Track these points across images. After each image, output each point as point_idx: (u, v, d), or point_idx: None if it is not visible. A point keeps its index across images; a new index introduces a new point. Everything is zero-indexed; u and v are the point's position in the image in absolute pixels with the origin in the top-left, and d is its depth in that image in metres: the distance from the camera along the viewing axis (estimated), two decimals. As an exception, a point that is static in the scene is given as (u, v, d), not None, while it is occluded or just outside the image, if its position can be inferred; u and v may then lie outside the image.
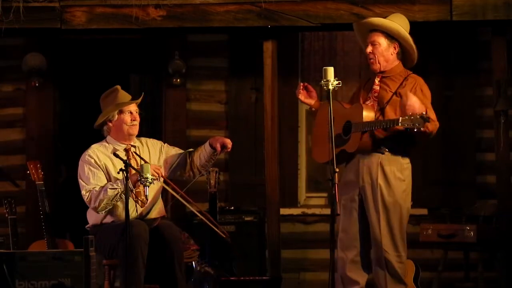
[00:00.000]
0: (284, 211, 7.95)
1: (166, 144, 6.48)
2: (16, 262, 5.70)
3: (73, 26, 7.31)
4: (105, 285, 6.14)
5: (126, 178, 5.67)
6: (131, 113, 6.23)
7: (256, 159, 8.13)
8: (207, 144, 6.32)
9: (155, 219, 6.24)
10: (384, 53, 6.01)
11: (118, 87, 6.31)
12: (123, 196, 5.90)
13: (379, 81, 6.05)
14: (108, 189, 6.00)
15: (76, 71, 9.61)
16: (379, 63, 6.02)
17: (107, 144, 6.27)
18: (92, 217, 6.22)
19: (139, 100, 6.30)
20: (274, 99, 7.43)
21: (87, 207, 6.29)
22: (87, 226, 6.29)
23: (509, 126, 7.33)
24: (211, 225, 6.20)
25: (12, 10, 7.15)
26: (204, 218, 6.21)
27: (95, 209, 6.06)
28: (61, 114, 8.88)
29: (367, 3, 7.19)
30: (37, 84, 8.33)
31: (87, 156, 6.18)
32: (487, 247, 7.46)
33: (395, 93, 5.97)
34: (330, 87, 5.38)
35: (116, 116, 6.23)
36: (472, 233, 7.34)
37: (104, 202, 6.01)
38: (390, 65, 6.04)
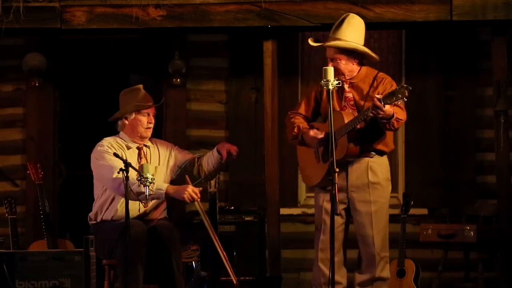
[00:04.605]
0: (284, 211, 7.95)
1: (176, 146, 6.49)
2: (16, 262, 5.70)
3: (73, 26, 7.30)
4: (105, 285, 6.15)
5: (126, 178, 5.67)
6: (148, 115, 6.26)
7: (256, 159, 8.13)
8: (215, 150, 6.34)
9: (154, 219, 6.24)
10: (346, 66, 6.02)
11: (141, 86, 6.34)
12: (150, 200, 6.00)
13: (349, 87, 6.06)
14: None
15: (76, 71, 9.62)
16: (343, 74, 6.02)
17: (120, 140, 6.28)
18: (96, 205, 6.23)
19: (159, 104, 6.35)
20: (274, 99, 7.43)
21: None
22: (90, 213, 6.28)
23: (509, 126, 7.32)
24: (227, 265, 6.15)
25: (12, 10, 7.14)
26: (222, 256, 6.15)
27: (120, 191, 5.94)
28: (61, 114, 8.88)
29: (367, 3, 7.19)
30: (37, 84, 8.33)
31: (105, 147, 6.17)
32: (487, 247, 7.46)
33: (368, 95, 5.99)
34: (330, 87, 5.38)
35: (134, 115, 6.25)
36: (472, 233, 7.34)
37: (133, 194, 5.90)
38: (355, 72, 6.06)
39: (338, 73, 5.97)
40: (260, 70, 7.60)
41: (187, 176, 6.28)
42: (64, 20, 7.29)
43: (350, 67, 6.04)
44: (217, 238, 6.10)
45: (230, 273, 6.12)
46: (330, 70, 5.40)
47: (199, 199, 6.06)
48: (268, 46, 7.44)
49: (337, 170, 5.34)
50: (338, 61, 6.00)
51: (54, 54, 8.55)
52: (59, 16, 7.27)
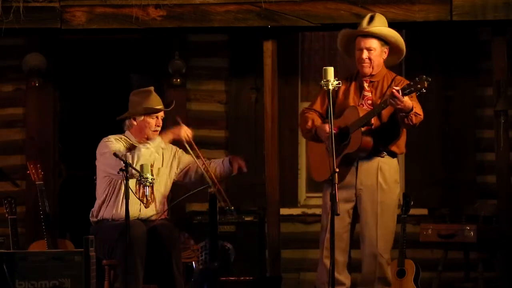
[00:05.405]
0: (284, 211, 7.95)
1: (180, 150, 6.50)
2: (16, 262, 5.70)
3: (73, 26, 7.31)
4: (105, 285, 6.15)
5: (126, 178, 5.67)
6: (157, 117, 6.28)
7: (256, 159, 8.12)
8: (226, 160, 6.37)
9: (154, 219, 6.24)
10: (377, 57, 6.08)
11: (152, 88, 6.37)
12: (156, 156, 6.11)
13: (368, 86, 6.07)
14: (141, 149, 6.04)
15: (76, 71, 9.61)
16: (372, 67, 6.05)
17: (126, 138, 6.28)
18: (98, 203, 6.24)
19: (169, 109, 6.39)
20: (274, 99, 7.43)
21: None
22: (92, 209, 6.28)
23: (509, 126, 7.32)
24: (223, 196, 6.18)
25: (12, 10, 7.14)
26: (219, 188, 6.19)
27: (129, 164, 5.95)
28: (61, 114, 8.88)
29: (367, 3, 7.19)
30: (37, 84, 8.33)
31: (112, 139, 6.20)
32: (487, 247, 7.45)
33: (385, 95, 5.99)
34: (330, 87, 5.39)
35: (142, 117, 6.27)
36: (472, 233, 7.34)
37: (140, 159, 5.99)
38: (379, 68, 6.10)
39: (369, 64, 6.00)
40: (260, 70, 7.60)
41: (178, 117, 6.36)
42: (64, 20, 7.29)
43: (379, 60, 6.10)
44: (203, 160, 6.27)
45: (222, 197, 6.13)
46: (330, 70, 5.41)
47: (191, 141, 6.26)
48: (268, 46, 7.44)
49: (337, 170, 5.34)
50: (372, 51, 6.02)
51: (54, 54, 8.55)
52: (59, 16, 7.28)
